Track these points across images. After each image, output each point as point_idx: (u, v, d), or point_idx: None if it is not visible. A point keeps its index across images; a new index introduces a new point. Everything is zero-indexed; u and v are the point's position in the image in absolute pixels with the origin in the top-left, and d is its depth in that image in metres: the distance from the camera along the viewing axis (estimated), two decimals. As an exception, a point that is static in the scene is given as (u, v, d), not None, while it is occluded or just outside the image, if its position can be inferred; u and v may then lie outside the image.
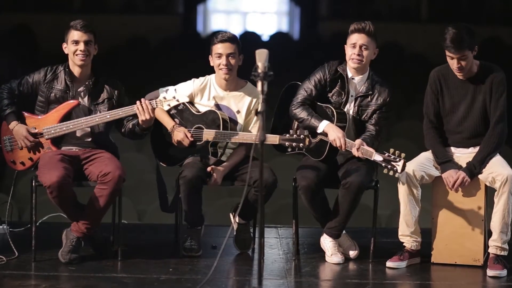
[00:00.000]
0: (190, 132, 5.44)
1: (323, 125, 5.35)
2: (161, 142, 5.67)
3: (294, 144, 5.29)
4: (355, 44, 5.35)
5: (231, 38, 5.50)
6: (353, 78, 5.44)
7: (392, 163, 5.18)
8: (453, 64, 5.28)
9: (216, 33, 5.59)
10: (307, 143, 5.27)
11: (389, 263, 5.40)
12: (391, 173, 5.21)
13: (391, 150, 5.22)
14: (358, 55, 5.34)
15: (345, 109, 5.44)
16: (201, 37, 15.49)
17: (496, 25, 14.41)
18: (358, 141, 5.26)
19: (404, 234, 5.43)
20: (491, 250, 5.33)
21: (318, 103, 5.48)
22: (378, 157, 5.22)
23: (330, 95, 5.48)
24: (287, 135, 5.33)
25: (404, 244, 5.46)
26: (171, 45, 14.39)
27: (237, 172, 5.55)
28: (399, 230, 5.45)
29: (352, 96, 5.46)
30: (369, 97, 5.43)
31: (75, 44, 5.36)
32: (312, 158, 5.45)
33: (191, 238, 5.53)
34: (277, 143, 5.35)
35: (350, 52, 5.38)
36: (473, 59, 5.29)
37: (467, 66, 5.28)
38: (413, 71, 12.77)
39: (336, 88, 5.48)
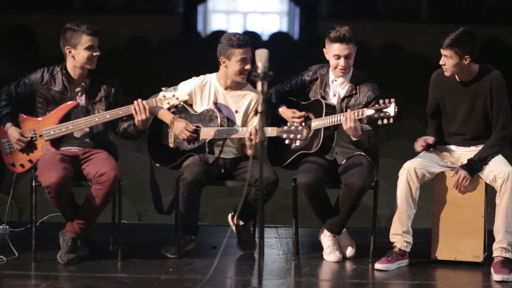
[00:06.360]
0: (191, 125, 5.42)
1: (280, 109, 5.51)
2: (156, 142, 5.66)
3: (292, 135, 5.25)
4: (339, 56, 5.36)
5: (249, 41, 5.46)
6: (335, 80, 5.47)
7: (384, 110, 5.16)
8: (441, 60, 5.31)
9: (232, 36, 5.42)
10: (305, 134, 5.23)
11: (377, 265, 5.35)
12: (385, 121, 5.17)
13: (381, 101, 5.20)
14: (344, 65, 5.37)
15: None
16: (201, 37, 15.50)
17: (496, 25, 14.41)
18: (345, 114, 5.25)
19: (396, 233, 5.39)
20: (497, 253, 5.26)
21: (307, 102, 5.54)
22: (369, 111, 5.19)
23: (309, 95, 5.56)
24: (285, 127, 5.31)
25: (394, 243, 5.41)
26: (171, 45, 14.38)
27: (237, 170, 5.55)
28: (391, 229, 5.43)
29: (335, 96, 5.47)
30: (354, 96, 5.45)
31: (89, 49, 5.30)
32: (309, 152, 5.43)
33: (174, 244, 5.49)
34: (275, 135, 5.32)
35: (334, 62, 5.39)
36: (466, 65, 5.25)
37: (452, 68, 5.26)
38: (413, 71, 12.77)
39: (313, 88, 5.53)
